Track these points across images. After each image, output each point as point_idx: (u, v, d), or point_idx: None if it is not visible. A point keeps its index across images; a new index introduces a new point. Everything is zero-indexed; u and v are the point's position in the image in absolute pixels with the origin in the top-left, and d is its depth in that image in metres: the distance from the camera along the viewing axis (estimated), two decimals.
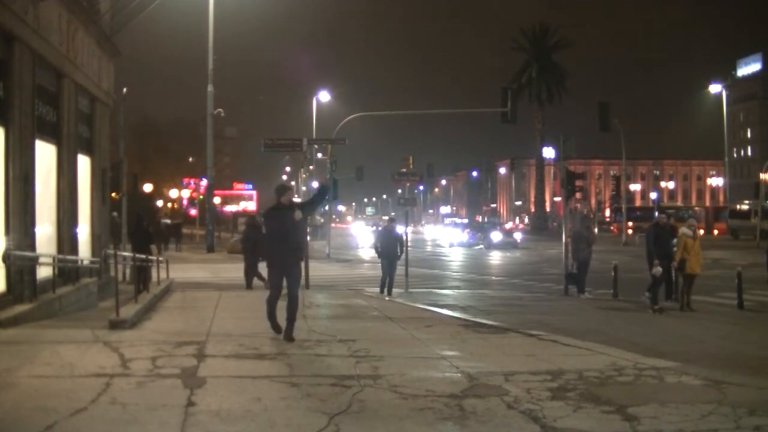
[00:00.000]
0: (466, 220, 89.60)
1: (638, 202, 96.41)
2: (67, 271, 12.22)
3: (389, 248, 16.75)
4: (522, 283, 21.30)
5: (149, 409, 5.26)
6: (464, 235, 48.13)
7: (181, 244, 38.17)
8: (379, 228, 18.35)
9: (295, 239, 8.58)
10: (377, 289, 16.40)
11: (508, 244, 43.10)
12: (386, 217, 21.25)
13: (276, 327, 8.61)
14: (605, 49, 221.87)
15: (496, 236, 44.89)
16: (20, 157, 10.00)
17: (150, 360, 6.99)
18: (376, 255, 17.40)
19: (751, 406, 5.60)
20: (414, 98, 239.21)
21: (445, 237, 52.16)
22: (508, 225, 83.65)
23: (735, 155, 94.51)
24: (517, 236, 48.13)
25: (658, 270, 13.09)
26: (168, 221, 45.53)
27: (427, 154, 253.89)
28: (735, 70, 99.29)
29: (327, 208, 39.32)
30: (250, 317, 10.65)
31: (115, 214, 20.02)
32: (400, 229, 18.58)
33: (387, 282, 16.40)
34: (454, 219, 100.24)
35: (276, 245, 8.42)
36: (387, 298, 15.11)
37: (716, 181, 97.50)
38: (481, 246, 43.58)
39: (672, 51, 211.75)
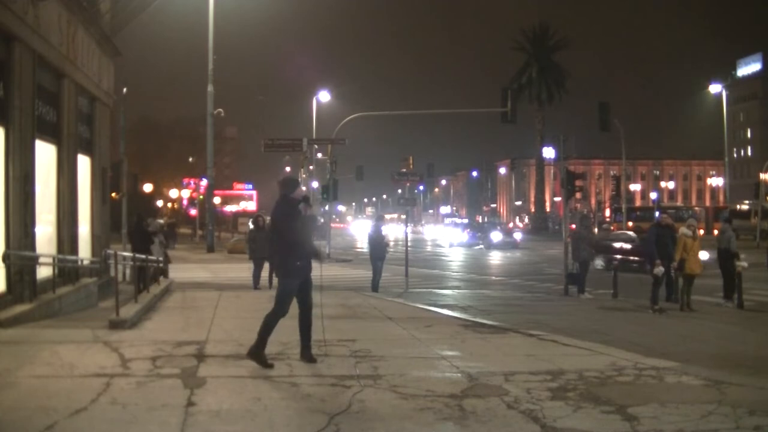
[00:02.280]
0: (466, 220, 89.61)
1: (638, 202, 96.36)
2: (67, 271, 12.23)
3: (382, 248, 16.98)
4: (522, 283, 21.29)
5: (149, 409, 5.26)
6: (464, 235, 48.27)
7: (174, 244, 38.73)
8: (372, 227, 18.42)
9: (312, 241, 7.32)
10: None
11: (508, 244, 43.54)
12: (391, 215, 21.43)
13: (264, 360, 6.94)
14: (605, 49, 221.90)
15: (496, 236, 45.25)
16: (20, 157, 10.00)
17: (150, 360, 6.99)
18: (370, 256, 17.38)
19: (751, 406, 5.60)
20: (414, 98, 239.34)
21: (445, 237, 52.12)
22: (510, 225, 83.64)
23: (735, 155, 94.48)
24: (517, 236, 48.57)
25: (660, 270, 13.05)
26: (161, 221, 45.91)
27: (427, 154, 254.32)
28: (735, 70, 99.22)
29: (327, 207, 39.33)
30: (251, 317, 10.64)
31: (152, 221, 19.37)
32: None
33: (378, 281, 16.62)
34: (454, 219, 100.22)
35: (300, 250, 7.06)
36: (389, 299, 15.10)
37: (716, 181, 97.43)
38: (482, 246, 43.90)
39: (672, 51, 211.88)
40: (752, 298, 14.95)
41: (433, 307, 12.98)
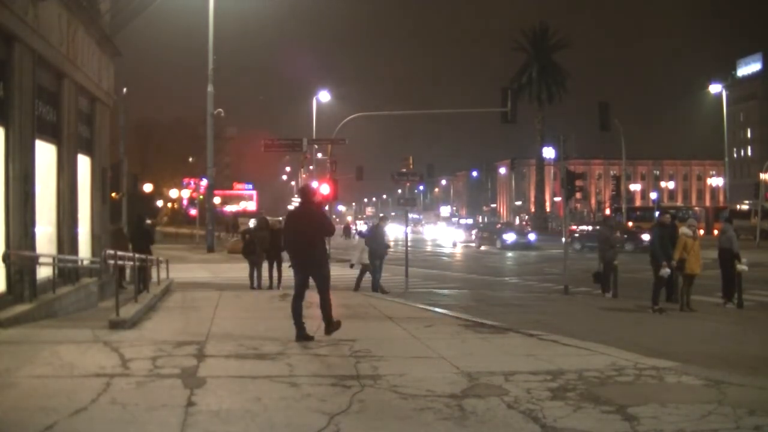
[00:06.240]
0: (470, 221, 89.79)
1: (638, 202, 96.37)
2: (67, 271, 12.22)
3: (382, 248, 17.07)
4: (522, 283, 21.29)
5: (149, 409, 5.26)
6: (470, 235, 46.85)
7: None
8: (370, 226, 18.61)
9: None
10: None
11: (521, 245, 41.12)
12: (382, 214, 21.51)
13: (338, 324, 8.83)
14: (605, 48, 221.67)
15: (510, 237, 42.18)
16: (20, 157, 9.99)
17: (150, 360, 6.98)
18: (368, 256, 17.45)
19: (751, 406, 5.59)
20: (414, 98, 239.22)
21: (445, 237, 51.91)
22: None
23: (735, 155, 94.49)
24: (531, 237, 44.42)
25: (666, 271, 12.92)
26: (149, 221, 46.37)
27: (427, 154, 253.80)
28: (735, 70, 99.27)
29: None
30: (250, 317, 10.67)
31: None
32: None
33: (378, 280, 16.68)
34: (454, 219, 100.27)
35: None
36: (389, 299, 15.11)
37: (716, 181, 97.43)
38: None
39: (672, 51, 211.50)
40: (752, 298, 14.96)
41: (434, 307, 12.97)
